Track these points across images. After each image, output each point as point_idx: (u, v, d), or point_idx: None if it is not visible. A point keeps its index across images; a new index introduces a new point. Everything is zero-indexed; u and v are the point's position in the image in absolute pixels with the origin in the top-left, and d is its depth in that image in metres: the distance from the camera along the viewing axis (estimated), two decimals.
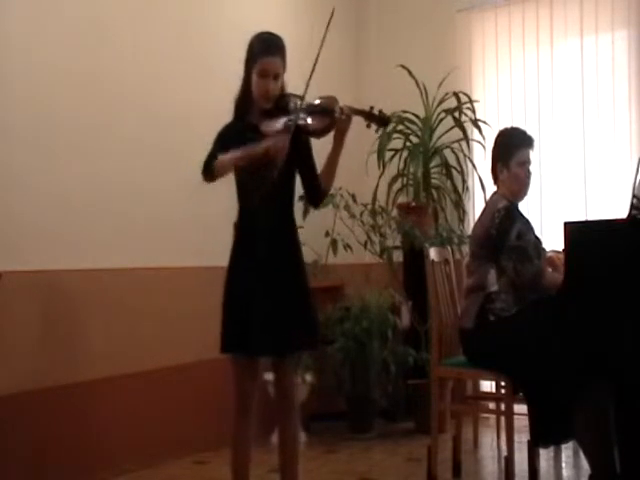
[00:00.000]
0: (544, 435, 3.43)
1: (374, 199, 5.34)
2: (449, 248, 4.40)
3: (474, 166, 5.41)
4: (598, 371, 3.26)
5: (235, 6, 4.99)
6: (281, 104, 3.05)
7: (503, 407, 3.73)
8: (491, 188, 4.00)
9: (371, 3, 6.12)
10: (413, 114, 5.48)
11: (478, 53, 5.65)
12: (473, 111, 5.37)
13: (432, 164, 5.48)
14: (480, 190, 5.20)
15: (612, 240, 3.28)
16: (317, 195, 3.16)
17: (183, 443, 4.41)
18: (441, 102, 5.42)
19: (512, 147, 3.77)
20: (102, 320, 4.08)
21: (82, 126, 4.04)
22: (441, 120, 5.44)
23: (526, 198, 3.88)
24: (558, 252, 3.83)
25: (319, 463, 4.32)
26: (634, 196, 3.45)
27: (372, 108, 3.08)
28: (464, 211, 5.43)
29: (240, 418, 3.09)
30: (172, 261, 4.43)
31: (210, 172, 3.00)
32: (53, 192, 3.91)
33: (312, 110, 3.03)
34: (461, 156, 5.45)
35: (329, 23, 2.93)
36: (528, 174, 3.78)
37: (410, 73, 5.41)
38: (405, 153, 5.48)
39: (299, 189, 3.17)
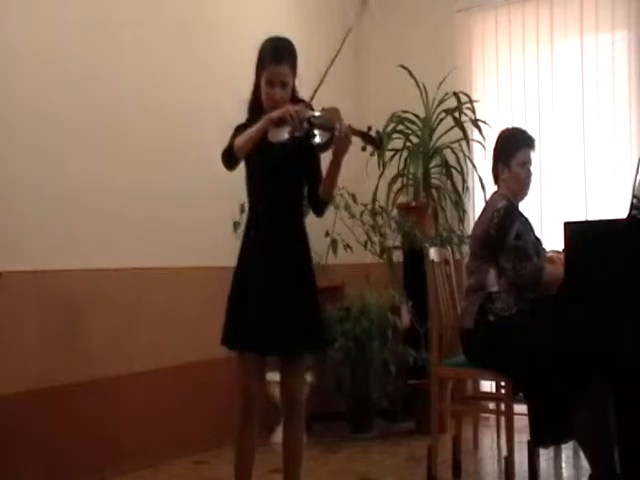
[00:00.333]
0: (544, 435, 3.44)
1: (374, 199, 5.33)
2: (449, 248, 4.40)
3: (474, 166, 5.40)
4: (598, 371, 3.26)
5: (235, 6, 4.98)
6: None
7: (503, 407, 3.74)
8: (491, 188, 4.01)
9: (371, 3, 6.11)
10: (413, 114, 5.47)
11: (478, 53, 5.65)
12: (473, 111, 5.37)
13: (432, 164, 5.48)
14: (480, 190, 5.20)
15: (612, 240, 3.28)
16: (317, 205, 3.16)
17: (183, 443, 4.41)
18: (441, 102, 5.42)
19: (513, 147, 3.78)
20: (102, 320, 4.07)
21: (82, 126, 4.04)
22: (441, 120, 5.43)
23: (526, 198, 3.89)
24: (558, 252, 3.83)
25: (319, 463, 4.31)
26: (634, 196, 3.45)
27: (370, 128, 3.01)
28: (464, 211, 5.43)
29: (245, 418, 3.06)
30: (172, 261, 4.43)
31: (230, 154, 2.98)
32: (53, 192, 3.91)
33: (313, 122, 2.97)
34: (461, 156, 5.44)
35: (343, 42, 2.88)
36: (529, 174, 3.79)
37: (410, 73, 5.40)
38: (405, 153, 5.47)
39: None
